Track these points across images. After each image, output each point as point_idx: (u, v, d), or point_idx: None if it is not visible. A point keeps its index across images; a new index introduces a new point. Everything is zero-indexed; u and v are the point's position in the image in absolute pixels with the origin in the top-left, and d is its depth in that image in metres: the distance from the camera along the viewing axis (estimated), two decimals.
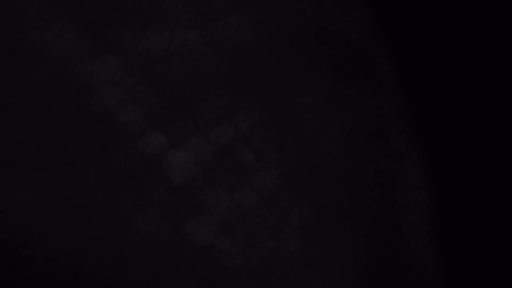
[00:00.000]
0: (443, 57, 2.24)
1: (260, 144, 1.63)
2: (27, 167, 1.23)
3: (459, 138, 2.15)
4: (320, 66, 2.02)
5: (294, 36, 2.06)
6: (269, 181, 1.60)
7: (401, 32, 2.35)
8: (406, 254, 1.90)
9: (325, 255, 1.66)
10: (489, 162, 2.04)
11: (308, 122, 1.79)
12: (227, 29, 1.88)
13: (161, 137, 1.48)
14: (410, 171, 2.04)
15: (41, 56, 1.41)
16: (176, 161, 1.47)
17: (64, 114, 1.37)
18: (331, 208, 1.72)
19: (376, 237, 1.83)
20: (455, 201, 2.02)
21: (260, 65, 1.83)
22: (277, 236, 1.56)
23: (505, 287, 1.91)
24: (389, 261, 1.84)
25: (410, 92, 2.22)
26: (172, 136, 1.50)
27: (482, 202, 2.04)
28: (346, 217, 1.75)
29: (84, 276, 1.21)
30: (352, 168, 1.85)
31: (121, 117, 1.46)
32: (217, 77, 1.68)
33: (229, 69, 1.73)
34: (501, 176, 2.02)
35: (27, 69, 1.37)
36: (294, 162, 1.69)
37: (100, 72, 1.49)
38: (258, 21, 1.99)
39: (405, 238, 1.91)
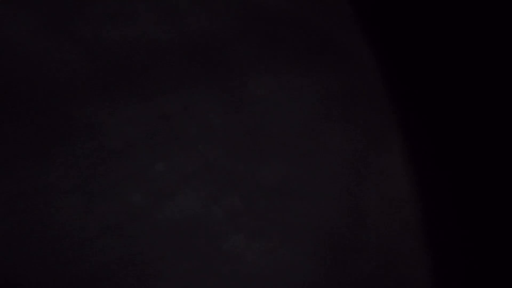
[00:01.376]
0: (426, 46, 2.16)
1: (211, 118, 1.57)
2: None
3: (443, 127, 2.01)
4: (286, 53, 1.97)
5: (259, 25, 2.05)
6: (221, 154, 1.51)
7: (378, 15, 2.30)
8: (382, 246, 1.72)
9: (285, 245, 1.52)
10: (475, 158, 1.88)
11: (271, 100, 1.72)
12: (188, 21, 1.89)
13: (108, 108, 1.45)
14: (387, 157, 1.90)
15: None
16: (114, 126, 1.43)
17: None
18: (295, 190, 1.60)
19: (346, 226, 1.67)
20: (437, 193, 1.85)
21: (220, 54, 1.81)
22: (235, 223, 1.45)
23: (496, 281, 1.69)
24: (361, 254, 1.67)
25: (389, 75, 2.12)
26: (115, 106, 1.47)
27: (468, 199, 1.86)
28: (312, 203, 1.62)
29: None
30: (320, 148, 1.74)
31: (72, 90, 1.46)
32: (175, 64, 1.67)
33: (186, 57, 1.71)
34: (488, 176, 1.85)
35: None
36: (250, 135, 1.60)
37: (58, 61, 1.51)
38: (219, 13, 2.00)
39: (380, 229, 1.75)
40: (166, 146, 1.43)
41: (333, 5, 2.20)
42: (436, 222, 1.81)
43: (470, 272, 1.75)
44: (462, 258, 1.75)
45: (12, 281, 1.13)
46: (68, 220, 1.27)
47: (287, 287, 1.44)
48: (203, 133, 1.53)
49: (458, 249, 1.77)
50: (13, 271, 1.15)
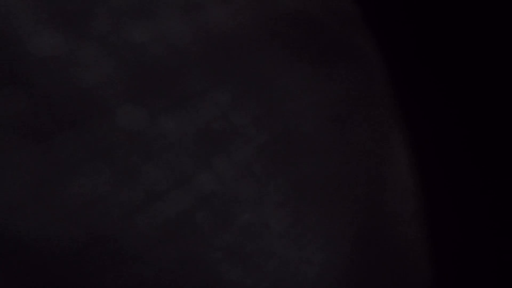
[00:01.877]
0: (430, 46, 2.26)
1: (238, 119, 1.66)
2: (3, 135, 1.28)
3: (446, 123, 2.14)
4: (298, 52, 2.06)
5: (276, 26, 2.12)
6: (247, 155, 1.62)
7: (386, 20, 2.39)
8: (393, 235, 1.88)
9: (307, 235, 1.65)
10: (475, 150, 2.03)
11: (286, 99, 1.82)
12: (207, 19, 1.94)
13: (139, 112, 1.53)
14: (394, 153, 2.04)
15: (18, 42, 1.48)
16: (156, 134, 1.51)
17: (44, 92, 1.42)
18: (313, 186, 1.73)
19: (362, 218, 1.82)
20: (441, 186, 2.00)
21: (238, 51, 1.88)
22: (256, 210, 1.57)
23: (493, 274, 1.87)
24: (374, 243, 1.82)
25: (396, 75, 2.24)
26: (151, 112, 1.55)
27: (468, 194, 2.02)
28: (329, 196, 1.75)
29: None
30: (332, 147, 1.86)
31: (100, 96, 1.52)
32: (195, 62, 1.73)
33: (208, 55, 1.78)
34: (488, 168, 2.00)
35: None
36: (272, 138, 1.71)
37: (77, 57, 1.56)
38: (238, 11, 2.06)
39: (390, 219, 1.90)
40: (209, 153, 1.52)
41: (344, 7, 2.28)
42: (438, 213, 1.98)
43: (468, 257, 1.93)
44: (461, 245, 1.93)
45: (25, 240, 1.23)
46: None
47: (313, 272, 1.58)
48: (234, 135, 1.63)
49: (458, 237, 1.95)
50: (28, 230, 1.24)
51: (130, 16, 1.73)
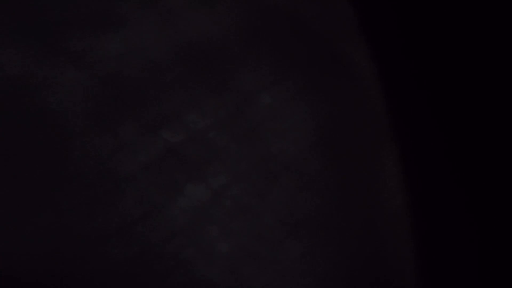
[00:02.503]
0: (426, 55, 2.15)
1: (218, 141, 1.57)
2: None
3: (440, 137, 2.05)
4: (289, 60, 1.95)
5: (263, 30, 2.00)
6: (224, 180, 1.53)
7: (382, 28, 2.27)
8: (385, 258, 1.80)
9: (296, 267, 1.57)
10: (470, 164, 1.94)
11: (270, 118, 1.72)
12: (187, 25, 1.83)
13: (109, 137, 1.44)
14: (388, 170, 1.95)
15: None
16: (123, 159, 1.42)
17: (14, 116, 1.33)
18: (300, 213, 1.64)
19: (353, 240, 1.73)
20: (434, 203, 1.92)
21: (221, 61, 1.77)
22: (237, 241, 1.49)
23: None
24: (366, 272, 1.75)
25: (387, 91, 2.14)
26: (121, 136, 1.46)
27: (462, 207, 1.94)
28: (319, 222, 1.66)
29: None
30: (321, 168, 1.76)
31: (71, 118, 1.43)
32: (172, 75, 1.63)
33: (188, 66, 1.68)
34: (481, 179, 1.92)
35: None
36: (256, 160, 1.62)
37: (50, 74, 1.46)
38: (220, 18, 1.94)
39: (382, 239, 1.82)
40: (183, 179, 1.43)
41: (338, 14, 2.16)
42: (430, 233, 1.90)
43: (459, 277, 1.86)
44: (452, 263, 1.86)
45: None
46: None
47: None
48: (211, 157, 1.54)
49: (448, 253, 1.87)
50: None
51: (101, 29, 1.63)
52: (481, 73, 1.92)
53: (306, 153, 1.71)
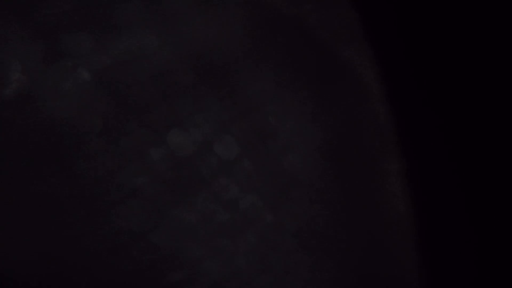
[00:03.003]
0: (430, 59, 2.15)
1: (225, 153, 1.55)
2: None
3: (445, 146, 2.07)
4: (294, 67, 1.92)
5: (268, 36, 1.97)
6: (236, 193, 1.51)
7: (385, 33, 2.26)
8: (387, 266, 1.82)
9: (300, 280, 1.57)
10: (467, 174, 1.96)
11: (279, 129, 1.70)
12: (191, 32, 1.78)
13: (115, 147, 1.39)
14: (389, 179, 1.96)
15: None
16: (130, 173, 1.38)
17: (17, 125, 1.27)
18: (303, 226, 1.64)
19: (354, 254, 1.74)
20: (436, 212, 1.94)
21: (225, 69, 1.74)
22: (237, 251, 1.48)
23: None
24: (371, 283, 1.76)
25: (393, 97, 2.14)
26: (126, 145, 1.41)
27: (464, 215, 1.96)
28: (322, 237, 1.66)
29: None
30: (329, 180, 1.76)
31: (78, 125, 1.37)
32: (177, 82, 1.59)
33: (191, 73, 1.64)
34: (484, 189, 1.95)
35: None
36: (266, 173, 1.60)
37: (54, 82, 1.40)
38: (228, 23, 1.90)
39: (387, 248, 1.84)
40: (185, 194, 1.40)
41: (342, 20, 2.14)
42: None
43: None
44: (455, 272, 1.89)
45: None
46: None
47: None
48: (219, 171, 1.51)
49: (450, 260, 1.90)
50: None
51: (104, 34, 1.56)
52: (484, 77, 1.93)
53: (315, 165, 1.70)
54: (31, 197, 1.21)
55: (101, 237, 1.29)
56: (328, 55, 2.08)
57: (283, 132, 1.69)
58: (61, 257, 1.22)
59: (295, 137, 1.71)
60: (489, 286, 1.88)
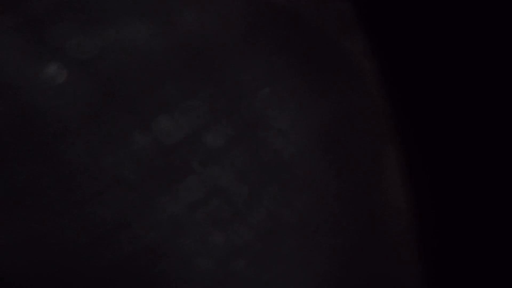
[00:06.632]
0: (428, 50, 2.10)
1: (214, 140, 1.52)
2: None
3: (441, 138, 2.00)
4: (288, 56, 1.89)
5: (261, 25, 1.94)
6: (224, 181, 1.48)
7: (382, 23, 2.21)
8: (384, 257, 1.76)
9: (290, 260, 1.53)
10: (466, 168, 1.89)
11: (269, 117, 1.66)
12: (183, 22, 1.77)
13: (101, 136, 1.38)
14: (388, 171, 1.90)
15: None
16: (116, 160, 1.37)
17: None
18: (296, 213, 1.59)
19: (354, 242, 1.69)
20: (433, 203, 1.87)
21: (217, 58, 1.71)
22: (236, 232, 1.44)
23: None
24: (364, 271, 1.70)
25: (390, 88, 2.08)
26: (113, 135, 1.40)
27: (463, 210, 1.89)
28: (320, 223, 1.62)
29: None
30: (323, 168, 1.71)
31: (63, 114, 1.37)
32: (167, 72, 1.57)
33: (182, 62, 1.62)
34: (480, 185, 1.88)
35: None
36: (255, 160, 1.56)
37: (39, 71, 1.40)
38: (221, 11, 1.88)
39: (384, 241, 1.78)
40: (175, 180, 1.38)
41: (338, 8, 2.10)
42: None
43: (459, 275, 1.82)
44: (452, 260, 1.82)
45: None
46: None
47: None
48: (207, 158, 1.48)
49: (449, 254, 1.83)
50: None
51: (92, 24, 1.56)
52: (484, 70, 1.87)
53: (309, 156, 1.65)
54: (10, 187, 1.20)
55: (84, 227, 1.27)
56: (324, 44, 2.04)
57: (274, 121, 1.66)
58: (41, 250, 1.20)
59: (287, 126, 1.67)
60: (492, 285, 1.81)
